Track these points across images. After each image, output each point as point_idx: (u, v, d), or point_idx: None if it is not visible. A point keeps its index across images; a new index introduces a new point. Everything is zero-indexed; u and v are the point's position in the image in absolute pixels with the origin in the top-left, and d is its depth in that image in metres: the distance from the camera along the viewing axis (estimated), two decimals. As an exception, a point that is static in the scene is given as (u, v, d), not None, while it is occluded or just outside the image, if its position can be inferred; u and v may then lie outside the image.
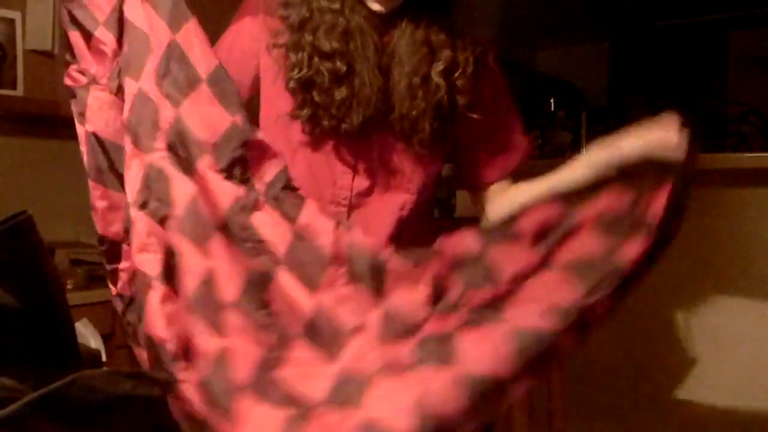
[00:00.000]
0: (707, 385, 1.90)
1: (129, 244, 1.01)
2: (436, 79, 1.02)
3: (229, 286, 0.92)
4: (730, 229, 1.88)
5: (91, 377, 0.56)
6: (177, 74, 0.98)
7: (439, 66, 1.02)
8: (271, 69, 1.07)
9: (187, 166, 0.97)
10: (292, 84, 1.03)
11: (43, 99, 2.33)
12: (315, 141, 1.06)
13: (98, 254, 2.65)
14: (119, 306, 1.02)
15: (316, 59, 1.01)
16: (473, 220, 1.23)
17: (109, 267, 1.04)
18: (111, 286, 1.04)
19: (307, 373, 0.89)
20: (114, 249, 1.03)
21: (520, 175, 1.43)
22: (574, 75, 5.32)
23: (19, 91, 2.27)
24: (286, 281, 0.93)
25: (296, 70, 1.02)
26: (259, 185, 0.98)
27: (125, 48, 1.01)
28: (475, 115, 1.06)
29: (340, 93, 1.00)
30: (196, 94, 0.98)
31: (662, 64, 5.08)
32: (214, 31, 1.11)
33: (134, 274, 1.01)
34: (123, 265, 1.02)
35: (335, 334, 0.91)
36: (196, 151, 0.96)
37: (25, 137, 2.60)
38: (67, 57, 1.04)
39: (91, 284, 2.35)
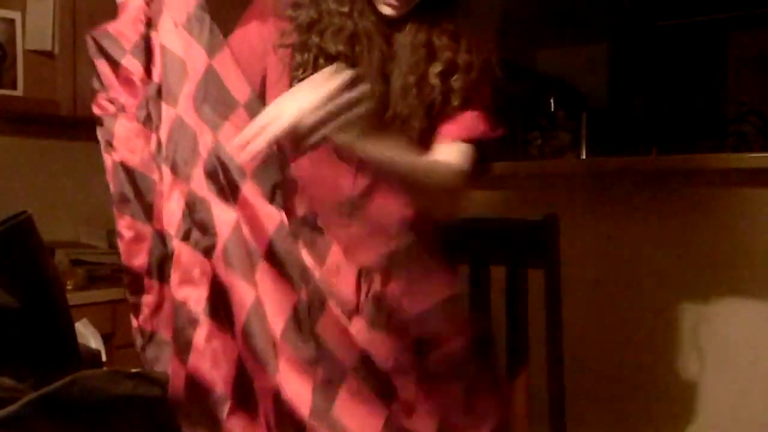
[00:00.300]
0: (709, 385, 1.90)
1: (153, 278, 1.00)
2: (433, 80, 1.02)
3: (277, 319, 0.90)
4: (730, 229, 1.88)
5: (91, 377, 0.56)
6: (215, 99, 0.95)
7: (437, 67, 1.02)
8: (276, 68, 1.07)
9: (227, 192, 0.94)
10: (296, 84, 1.02)
11: (43, 99, 2.33)
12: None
13: (98, 254, 2.65)
14: (139, 341, 1.00)
15: (321, 61, 1.01)
16: (473, 221, 1.23)
17: (131, 299, 1.01)
18: (132, 318, 1.01)
19: (363, 414, 0.88)
20: (137, 281, 1.00)
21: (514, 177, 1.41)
22: (574, 75, 5.32)
23: (19, 91, 2.27)
24: (337, 312, 0.92)
25: (301, 71, 1.03)
26: (290, 220, 0.96)
27: (159, 75, 0.99)
28: (459, 111, 1.07)
29: None
30: (235, 117, 0.95)
31: (662, 64, 5.08)
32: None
33: (157, 308, 0.99)
34: (147, 298, 1.00)
35: (378, 374, 0.90)
36: (237, 176, 0.94)
37: (25, 137, 2.60)
38: (95, 85, 1.02)
39: (91, 284, 2.35)
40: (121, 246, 1.00)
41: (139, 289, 1.00)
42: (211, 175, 0.94)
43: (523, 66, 5.13)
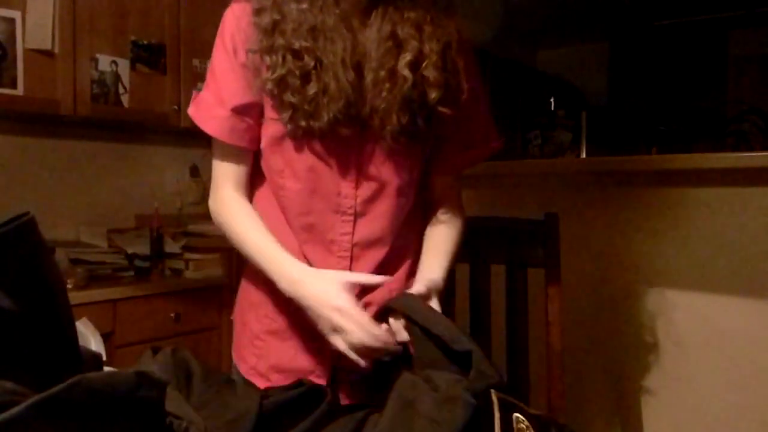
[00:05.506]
0: (710, 381, 1.90)
1: None
2: (403, 71, 1.00)
3: None
4: (730, 229, 1.88)
5: (93, 379, 0.55)
6: None
7: (406, 58, 1.00)
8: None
9: None
10: (269, 86, 1.02)
11: (43, 98, 2.33)
12: (308, 151, 1.04)
13: (98, 253, 2.63)
14: None
15: (289, 58, 1.00)
16: (474, 220, 1.23)
17: None
18: None
19: None
20: None
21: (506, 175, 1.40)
22: (574, 75, 5.33)
23: (19, 91, 2.27)
24: None
25: (271, 72, 1.01)
26: None
27: None
28: (446, 110, 1.03)
29: (311, 89, 0.99)
30: None
31: (662, 63, 5.09)
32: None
33: None
34: None
35: None
36: None
37: (25, 136, 2.60)
38: None
39: (91, 284, 2.36)
40: None
41: None
42: None
43: (523, 66, 5.14)
